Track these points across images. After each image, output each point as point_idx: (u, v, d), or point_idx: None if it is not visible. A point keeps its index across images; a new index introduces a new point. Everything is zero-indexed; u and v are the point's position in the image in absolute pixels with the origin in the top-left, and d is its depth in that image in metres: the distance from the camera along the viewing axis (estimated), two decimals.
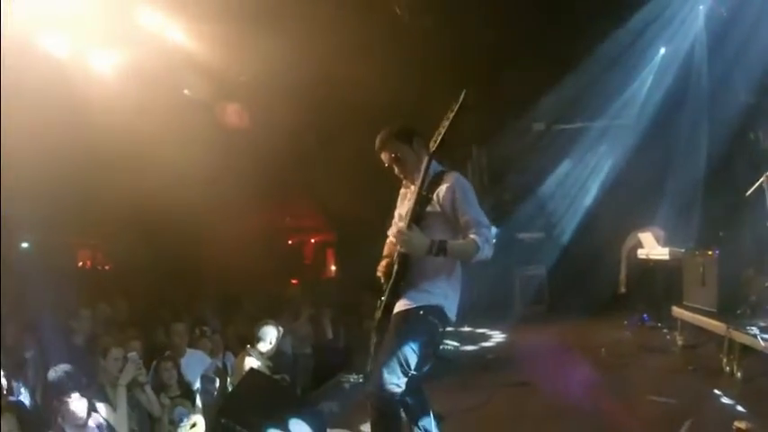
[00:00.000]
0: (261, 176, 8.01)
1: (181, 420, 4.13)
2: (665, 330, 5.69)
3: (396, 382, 2.89)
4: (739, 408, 3.88)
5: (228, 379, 4.91)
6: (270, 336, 4.91)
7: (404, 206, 3.27)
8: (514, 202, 7.67)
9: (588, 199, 7.34)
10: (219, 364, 5.01)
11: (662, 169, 6.18)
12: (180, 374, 4.40)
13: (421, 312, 3.00)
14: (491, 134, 7.25)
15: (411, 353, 2.94)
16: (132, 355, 4.06)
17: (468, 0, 6.18)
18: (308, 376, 5.55)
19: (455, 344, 6.21)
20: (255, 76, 7.26)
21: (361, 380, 5.29)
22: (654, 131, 6.27)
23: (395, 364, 2.91)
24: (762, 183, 4.46)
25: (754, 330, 4.19)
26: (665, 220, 5.97)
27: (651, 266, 6.16)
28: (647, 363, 5.16)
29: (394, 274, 3.05)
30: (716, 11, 5.23)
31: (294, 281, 8.17)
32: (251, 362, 4.70)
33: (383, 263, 3.23)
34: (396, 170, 3.19)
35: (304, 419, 3.81)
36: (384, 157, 3.19)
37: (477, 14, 6.22)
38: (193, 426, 4.08)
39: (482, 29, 6.29)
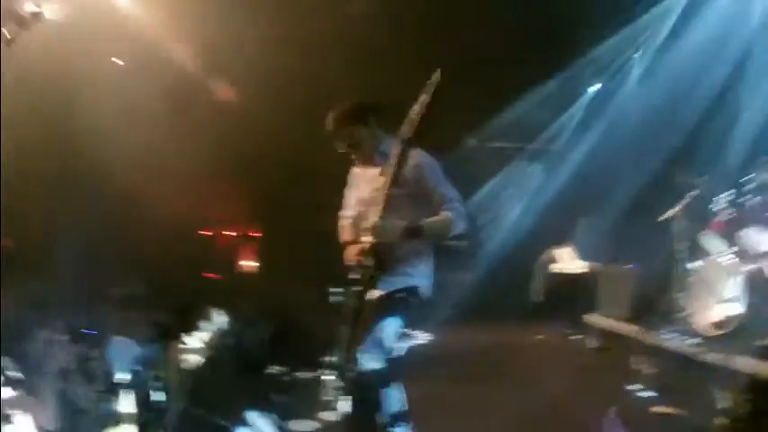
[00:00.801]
0: (183, 158, 7.70)
1: (107, 417, 3.72)
2: (577, 336, 6.31)
3: (376, 366, 2.91)
4: (651, 395, 4.36)
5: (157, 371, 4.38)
6: (212, 324, 4.63)
7: (361, 189, 3.19)
8: None
9: (514, 214, 7.88)
10: (148, 354, 4.45)
11: (584, 194, 6.91)
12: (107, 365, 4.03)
13: (400, 296, 3.01)
14: (423, 142, 7.56)
15: (389, 337, 2.97)
16: (56, 339, 3.80)
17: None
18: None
19: None
20: (190, 50, 7.07)
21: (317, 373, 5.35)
22: (582, 159, 7.00)
23: (374, 349, 2.92)
24: (673, 213, 5.25)
25: (664, 334, 4.91)
26: (583, 238, 6.69)
27: (566, 279, 6.85)
28: (565, 362, 5.65)
29: (370, 261, 2.95)
30: (646, 57, 6.09)
31: (212, 274, 7.91)
32: (191, 351, 4.37)
33: (351, 249, 3.11)
34: (353, 155, 3.09)
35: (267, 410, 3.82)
36: (337, 143, 3.05)
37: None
38: (118, 424, 3.71)
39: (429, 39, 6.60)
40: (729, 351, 4.02)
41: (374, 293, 2.97)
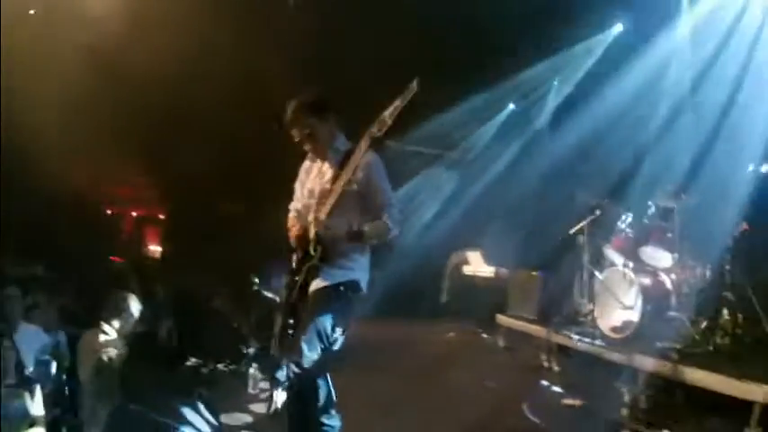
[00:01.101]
0: (92, 132, 7.13)
1: (18, 417, 3.30)
2: (485, 335, 6.80)
3: (316, 357, 2.94)
4: (560, 391, 4.94)
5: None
6: (129, 310, 4.17)
7: (312, 181, 3.25)
8: None
9: (427, 216, 8.24)
10: (56, 343, 4.11)
11: (496, 203, 7.44)
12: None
13: (341, 288, 3.08)
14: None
15: (330, 328, 3.03)
16: None
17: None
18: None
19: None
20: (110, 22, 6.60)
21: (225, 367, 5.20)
22: (497, 171, 7.52)
23: (315, 340, 2.96)
24: (580, 227, 5.88)
25: (570, 334, 5.48)
26: (494, 244, 7.21)
27: (476, 281, 7.34)
28: (476, 359, 6.07)
29: (311, 253, 3.04)
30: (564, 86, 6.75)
31: (115, 257, 7.36)
32: (106, 341, 3.97)
33: (294, 231, 3.19)
34: (306, 146, 3.13)
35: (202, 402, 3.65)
36: (294, 132, 3.10)
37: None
38: (31, 426, 3.35)
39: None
40: (629, 351, 4.61)
41: (317, 284, 3.06)
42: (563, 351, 5.45)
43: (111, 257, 7.43)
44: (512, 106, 7.69)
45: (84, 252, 6.69)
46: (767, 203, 4.17)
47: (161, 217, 8.59)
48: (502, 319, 6.40)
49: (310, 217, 3.12)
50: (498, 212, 7.30)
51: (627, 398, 4.42)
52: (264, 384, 4.68)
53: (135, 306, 4.21)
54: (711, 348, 4.26)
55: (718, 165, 4.51)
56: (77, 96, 6.50)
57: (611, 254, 5.49)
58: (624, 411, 4.26)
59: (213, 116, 7.32)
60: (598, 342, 5.04)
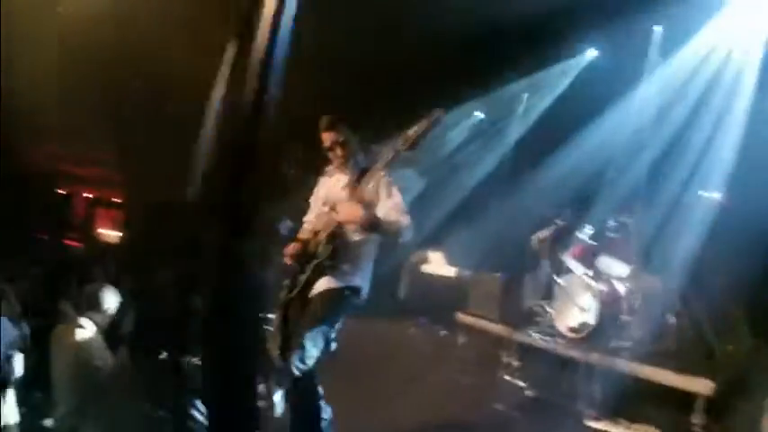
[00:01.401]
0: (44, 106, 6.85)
1: None
2: (443, 332, 7.17)
3: (316, 355, 3.10)
4: (523, 384, 5.39)
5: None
6: (106, 303, 3.92)
7: (328, 191, 3.46)
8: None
9: None
10: (24, 336, 3.82)
11: (461, 206, 7.85)
12: None
13: (346, 292, 3.27)
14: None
15: (332, 329, 3.23)
16: None
17: None
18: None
19: None
20: None
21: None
22: (463, 174, 7.93)
23: (319, 339, 3.12)
24: (543, 235, 6.39)
25: (530, 333, 5.93)
26: (455, 246, 7.62)
27: (435, 280, 7.72)
28: (439, 355, 6.39)
29: (320, 254, 3.23)
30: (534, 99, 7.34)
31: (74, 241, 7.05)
32: (84, 336, 3.70)
33: (292, 246, 3.40)
34: (336, 152, 3.35)
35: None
36: (328, 136, 3.35)
37: None
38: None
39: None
40: (587, 349, 5.09)
41: (325, 283, 3.24)
42: (522, 348, 5.92)
43: (65, 242, 7.16)
44: (480, 115, 8.12)
45: (36, 235, 6.46)
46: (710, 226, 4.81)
47: (117, 200, 8.31)
48: (462, 317, 6.80)
49: (326, 219, 3.32)
50: (462, 216, 7.72)
51: (584, 390, 5.00)
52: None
53: (112, 298, 4.00)
54: (660, 348, 4.85)
55: (673, 188, 5.11)
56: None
57: (570, 261, 6.01)
58: (582, 403, 4.82)
59: (179, 95, 7.20)
60: (560, 341, 5.51)
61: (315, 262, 3.25)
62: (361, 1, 6.11)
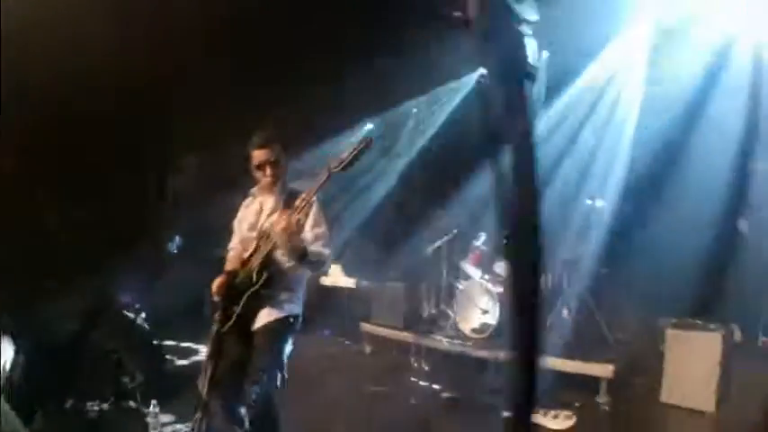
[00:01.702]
0: None
1: None
2: (348, 342, 7.19)
3: (276, 387, 3.05)
4: (438, 387, 5.55)
5: None
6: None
7: (253, 216, 3.32)
8: (210, 215, 7.80)
9: None
10: None
11: (357, 217, 7.88)
12: None
13: (291, 320, 3.19)
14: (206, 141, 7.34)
15: (284, 360, 3.13)
16: None
17: None
18: None
19: (171, 359, 6.03)
20: None
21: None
22: (357, 190, 8.00)
23: (276, 371, 3.05)
24: (440, 243, 6.76)
25: (437, 337, 6.20)
26: (353, 257, 7.68)
27: (335, 292, 7.70)
28: (349, 366, 6.43)
29: (255, 283, 3.06)
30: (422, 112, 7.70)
31: None
32: None
33: (219, 280, 3.21)
34: (266, 172, 3.18)
35: None
36: (261, 154, 3.17)
37: None
38: None
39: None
40: (494, 348, 5.50)
41: (266, 315, 3.11)
42: (431, 353, 6.17)
43: None
44: (369, 126, 8.29)
45: None
46: (594, 227, 5.52)
47: None
48: (367, 327, 6.89)
49: (249, 250, 3.21)
50: (358, 227, 7.82)
51: (496, 386, 5.37)
52: (168, 424, 4.35)
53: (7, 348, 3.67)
54: (560, 340, 5.40)
55: (563, 195, 5.75)
56: None
57: (468, 267, 6.44)
58: (497, 398, 5.16)
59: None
60: (466, 342, 5.86)
61: (250, 291, 3.09)
62: None
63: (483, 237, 6.41)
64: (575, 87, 5.95)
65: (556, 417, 4.47)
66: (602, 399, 4.66)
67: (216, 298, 3.18)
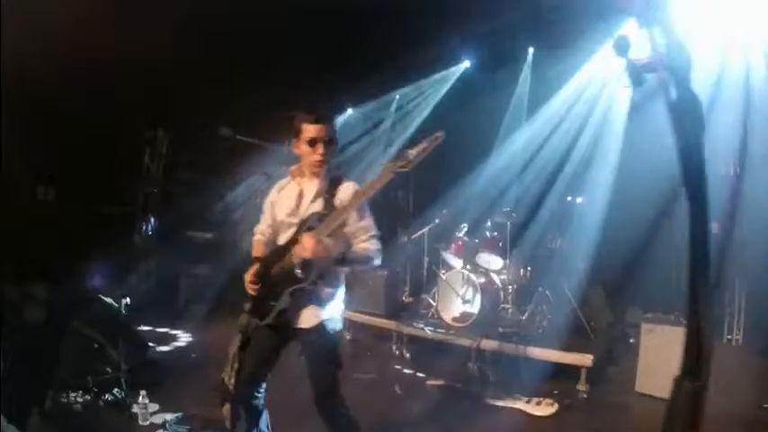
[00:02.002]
0: None
1: None
2: None
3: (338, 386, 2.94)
4: (420, 374, 5.73)
5: None
6: None
7: (292, 200, 3.04)
8: (186, 197, 7.67)
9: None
10: None
11: None
12: None
13: (338, 318, 3.02)
14: (179, 120, 7.16)
15: (341, 359, 3.01)
16: None
17: None
18: None
19: (153, 346, 5.91)
20: None
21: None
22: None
23: (337, 373, 2.94)
24: (421, 233, 6.90)
25: (419, 325, 6.32)
26: None
27: None
28: None
29: (305, 279, 2.83)
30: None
31: None
32: None
33: (253, 269, 3.03)
34: (318, 150, 2.89)
35: None
36: (317, 129, 2.89)
37: None
38: None
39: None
40: (476, 336, 5.69)
41: (310, 316, 2.91)
42: (413, 341, 6.32)
43: None
44: (350, 111, 8.31)
45: None
46: (573, 223, 5.78)
47: None
48: (347, 314, 6.99)
49: (286, 235, 2.99)
50: None
51: (476, 374, 5.59)
52: (155, 413, 4.26)
53: None
54: (540, 330, 5.66)
55: (541, 193, 5.97)
56: None
57: (450, 257, 6.61)
58: (481, 385, 5.38)
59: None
60: (448, 331, 6.03)
61: (292, 288, 2.84)
62: None
63: (465, 227, 6.59)
64: (565, 90, 6.15)
65: (539, 404, 4.72)
66: (582, 387, 4.95)
67: (250, 291, 3.00)
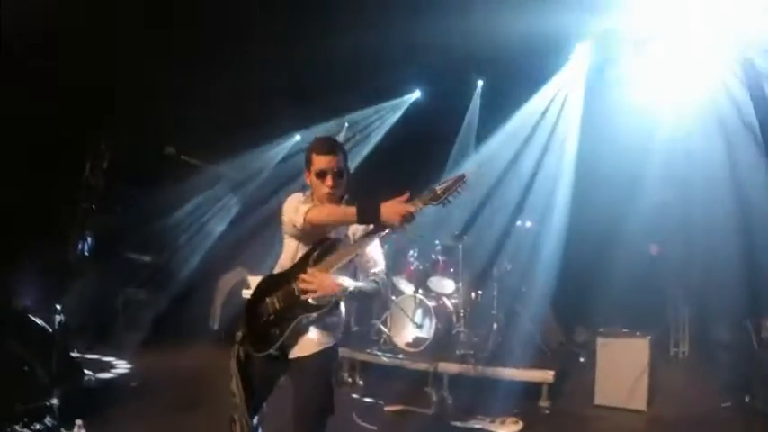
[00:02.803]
0: None
1: None
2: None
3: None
4: (368, 400, 5.51)
5: None
6: None
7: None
8: (126, 216, 7.21)
9: (206, 237, 7.83)
10: None
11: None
12: None
13: (336, 348, 2.94)
14: (123, 135, 6.81)
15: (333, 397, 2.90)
16: None
17: None
18: None
19: (89, 373, 5.35)
20: None
21: None
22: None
23: (327, 413, 2.81)
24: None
25: (373, 351, 6.11)
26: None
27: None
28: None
29: (310, 308, 2.75)
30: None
31: None
32: None
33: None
34: (327, 182, 2.85)
35: None
36: (326, 161, 2.87)
37: None
38: None
39: None
40: (433, 360, 5.59)
41: (311, 342, 2.81)
42: (366, 367, 6.11)
43: None
44: (298, 137, 8.22)
45: None
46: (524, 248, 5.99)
47: None
48: None
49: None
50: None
51: (435, 397, 5.49)
52: None
53: None
54: (496, 350, 5.71)
55: (492, 217, 6.15)
56: None
57: (401, 282, 6.56)
58: (435, 409, 5.29)
59: None
60: (403, 356, 5.94)
61: (304, 315, 2.75)
62: None
63: (415, 252, 6.61)
64: (518, 115, 6.48)
65: (503, 422, 4.73)
66: (544, 403, 5.03)
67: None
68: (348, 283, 2.77)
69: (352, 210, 2.70)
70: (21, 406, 4.01)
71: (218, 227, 7.85)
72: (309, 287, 2.69)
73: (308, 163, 2.95)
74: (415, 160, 6.36)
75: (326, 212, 2.81)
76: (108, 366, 6.07)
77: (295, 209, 2.82)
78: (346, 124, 7.14)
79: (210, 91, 6.63)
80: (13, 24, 5.18)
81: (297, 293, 2.76)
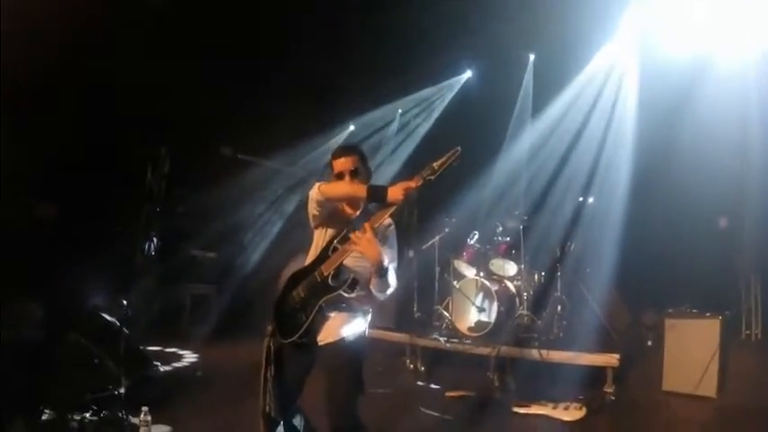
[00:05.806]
0: None
1: None
2: None
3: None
4: (437, 387, 5.58)
5: None
6: None
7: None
8: (188, 216, 7.53)
9: (270, 230, 8.13)
10: None
11: None
12: None
13: (365, 334, 2.97)
14: (182, 138, 7.14)
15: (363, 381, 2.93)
16: None
17: None
18: None
19: (157, 364, 5.66)
20: None
21: None
22: None
23: (359, 397, 2.84)
24: (431, 243, 6.79)
25: (435, 336, 6.09)
26: None
27: None
28: None
29: (333, 287, 2.82)
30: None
31: None
32: None
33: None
34: (345, 181, 2.96)
35: None
36: (342, 162, 3.01)
37: None
38: None
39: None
40: (495, 344, 5.50)
41: (339, 327, 2.85)
42: (428, 353, 6.09)
43: None
44: (352, 128, 8.31)
45: None
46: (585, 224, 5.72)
47: None
48: None
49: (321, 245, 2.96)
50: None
51: (498, 383, 5.45)
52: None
53: None
54: (560, 335, 5.56)
55: (552, 195, 5.92)
56: None
57: (462, 265, 6.50)
58: (503, 393, 5.25)
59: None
60: (464, 341, 5.88)
61: (325, 297, 2.82)
62: None
63: (476, 235, 6.50)
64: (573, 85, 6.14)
65: (566, 408, 4.60)
66: (609, 389, 4.82)
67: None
68: (386, 256, 2.84)
69: (363, 187, 2.85)
70: (90, 395, 4.30)
71: (279, 222, 8.09)
72: (358, 244, 2.77)
73: (331, 168, 3.12)
74: (467, 140, 6.19)
75: (340, 187, 2.98)
76: (175, 358, 6.43)
77: (313, 190, 2.95)
78: (399, 111, 7.11)
79: (262, 90, 6.80)
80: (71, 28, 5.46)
81: (318, 279, 2.87)
